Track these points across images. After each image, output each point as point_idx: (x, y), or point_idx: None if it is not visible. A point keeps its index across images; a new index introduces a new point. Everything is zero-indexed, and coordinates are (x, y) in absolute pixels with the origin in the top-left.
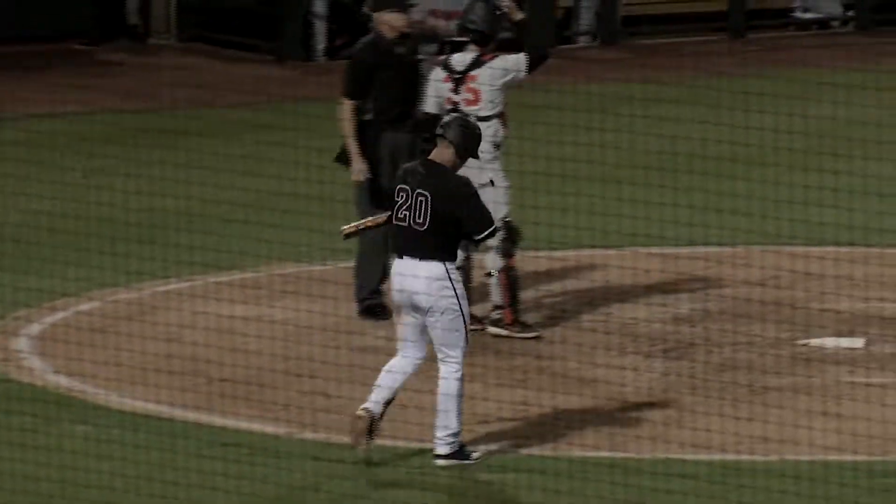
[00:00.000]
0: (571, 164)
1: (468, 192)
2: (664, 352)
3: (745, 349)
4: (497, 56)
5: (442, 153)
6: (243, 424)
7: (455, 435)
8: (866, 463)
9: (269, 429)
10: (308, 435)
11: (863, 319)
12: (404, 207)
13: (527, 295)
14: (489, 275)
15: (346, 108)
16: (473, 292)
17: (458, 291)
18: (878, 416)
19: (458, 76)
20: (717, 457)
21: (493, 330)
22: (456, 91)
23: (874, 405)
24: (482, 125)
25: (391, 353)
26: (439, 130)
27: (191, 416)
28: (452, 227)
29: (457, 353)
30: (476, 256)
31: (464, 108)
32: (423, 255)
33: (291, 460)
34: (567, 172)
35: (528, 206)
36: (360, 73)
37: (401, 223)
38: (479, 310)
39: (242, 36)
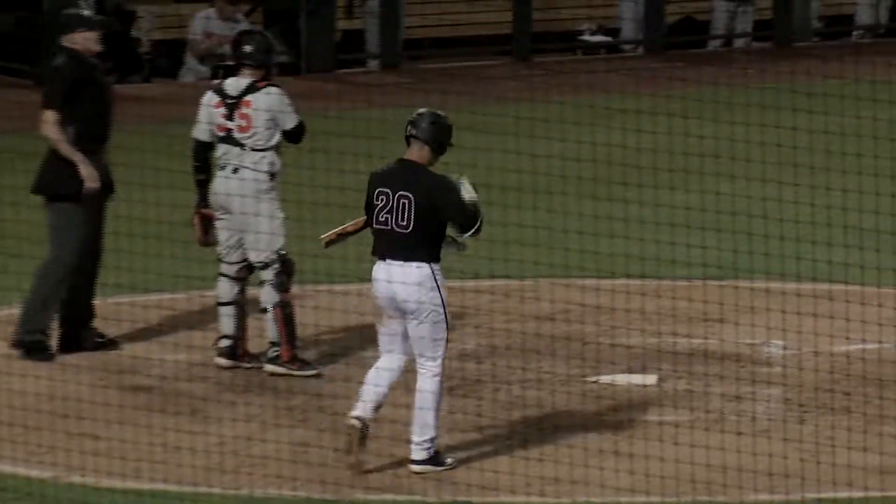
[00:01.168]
0: (352, 194)
1: (450, 190)
2: (450, 390)
3: (535, 386)
4: (273, 84)
5: (417, 152)
6: (7, 468)
7: (432, 440)
8: None
9: (35, 472)
10: (76, 479)
11: (655, 355)
12: (385, 210)
13: (305, 331)
14: (264, 310)
15: (52, 120)
16: (249, 329)
17: (443, 294)
18: (672, 455)
19: (231, 101)
20: (506, 499)
21: (269, 368)
22: (229, 117)
23: (667, 444)
24: (257, 155)
25: (164, 392)
26: (410, 130)
27: None
28: (437, 228)
29: (438, 355)
30: (251, 290)
31: (237, 135)
32: (408, 256)
33: None
34: (348, 202)
35: (307, 238)
36: (63, 85)
37: (382, 227)
38: (255, 347)
39: (6, 60)
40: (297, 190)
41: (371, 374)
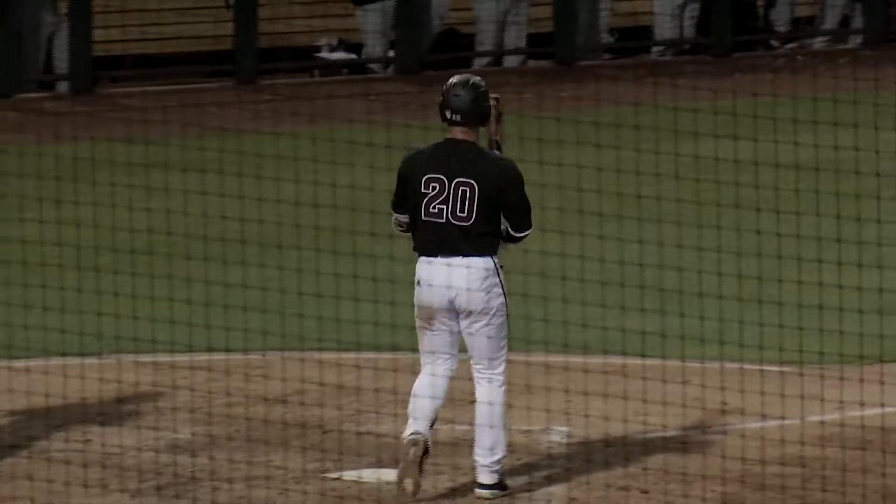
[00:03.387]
0: (34, 249)
1: (519, 180)
2: (158, 489)
3: (263, 485)
4: None
5: (465, 132)
6: None
7: (500, 461)
8: None
9: None
10: None
11: None
12: (438, 201)
13: None
14: None
15: None
16: None
17: (505, 289)
18: None
19: None
20: None
21: None
22: None
23: None
24: None
25: None
26: (454, 117)
27: None
28: (499, 217)
29: (501, 364)
30: None
31: None
32: (469, 250)
33: None
34: (29, 258)
35: None
36: None
37: (434, 219)
38: None
39: None
40: None
41: (421, 384)
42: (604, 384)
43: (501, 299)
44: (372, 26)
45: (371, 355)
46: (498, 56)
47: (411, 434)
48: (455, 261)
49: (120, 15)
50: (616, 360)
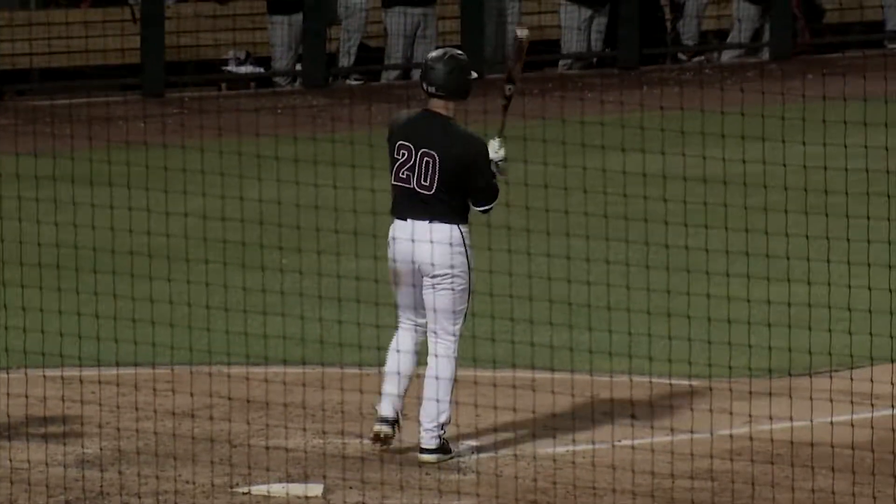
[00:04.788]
0: None
1: (481, 155)
2: None
3: (172, 499)
4: None
5: (441, 104)
6: None
7: (443, 426)
8: None
9: None
10: None
11: (319, 459)
12: (406, 167)
13: None
14: None
15: None
16: None
17: (470, 259)
18: None
19: None
20: None
21: None
22: None
23: None
24: None
25: None
26: (429, 88)
27: None
28: (463, 190)
29: (455, 329)
30: None
31: None
32: (434, 217)
33: None
34: None
35: None
36: None
37: (403, 184)
38: None
39: None
40: None
41: (393, 361)
42: (512, 398)
43: (463, 267)
44: (279, 39)
45: (279, 369)
46: (406, 69)
47: (379, 423)
48: (422, 225)
49: (27, 28)
50: (525, 374)
